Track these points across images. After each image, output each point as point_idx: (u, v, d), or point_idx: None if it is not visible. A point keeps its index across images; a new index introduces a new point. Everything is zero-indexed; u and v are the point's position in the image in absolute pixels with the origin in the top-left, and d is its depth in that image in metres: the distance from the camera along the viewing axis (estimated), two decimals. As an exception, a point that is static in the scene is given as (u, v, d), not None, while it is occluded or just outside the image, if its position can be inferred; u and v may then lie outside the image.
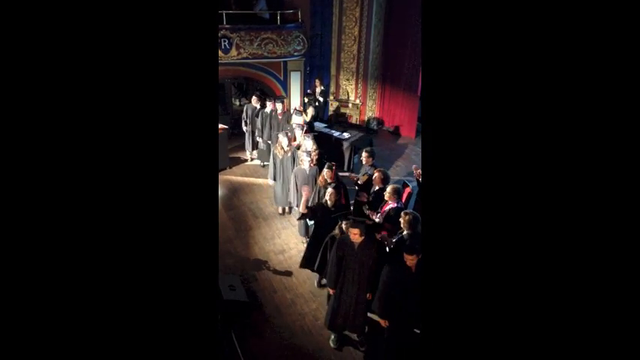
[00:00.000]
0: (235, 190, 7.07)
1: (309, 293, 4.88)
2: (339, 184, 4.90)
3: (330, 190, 4.63)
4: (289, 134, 6.32)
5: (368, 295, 3.86)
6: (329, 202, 4.61)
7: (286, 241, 5.79)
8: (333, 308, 4.01)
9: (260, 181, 7.38)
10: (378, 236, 4.06)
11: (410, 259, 3.41)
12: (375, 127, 9.32)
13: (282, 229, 5.97)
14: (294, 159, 6.09)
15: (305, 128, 6.58)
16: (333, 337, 4.18)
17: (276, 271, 5.24)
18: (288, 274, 5.20)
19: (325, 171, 5.09)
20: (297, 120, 6.79)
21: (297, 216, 5.36)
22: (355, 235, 3.75)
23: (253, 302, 4.68)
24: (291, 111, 7.65)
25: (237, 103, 9.99)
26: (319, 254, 4.45)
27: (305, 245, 5.19)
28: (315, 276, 5.07)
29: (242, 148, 8.21)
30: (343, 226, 4.04)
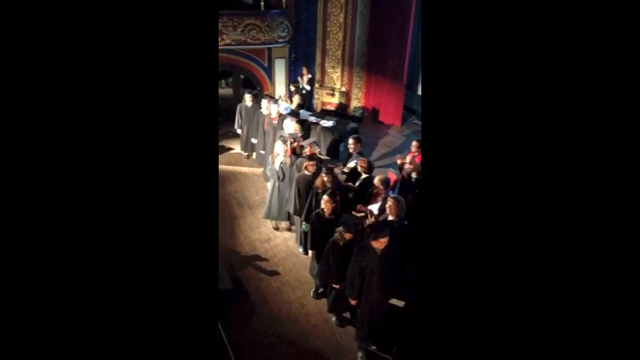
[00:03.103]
0: (219, 178, 6.99)
1: (296, 281, 4.88)
2: (334, 191, 4.37)
3: (325, 197, 4.20)
4: (287, 142, 5.57)
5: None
6: (325, 211, 4.25)
7: (272, 229, 5.76)
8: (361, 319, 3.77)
9: (245, 169, 7.30)
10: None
11: (376, 242, 3.45)
12: (361, 115, 9.30)
13: (263, 218, 5.93)
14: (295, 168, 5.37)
15: (294, 139, 5.90)
16: (360, 354, 3.89)
17: (261, 260, 5.21)
18: (274, 262, 5.18)
19: (324, 176, 4.63)
20: (288, 128, 6.05)
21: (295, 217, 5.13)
22: (383, 243, 3.45)
23: (239, 291, 4.65)
24: (276, 98, 7.52)
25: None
26: (321, 264, 4.12)
27: (292, 231, 5.17)
28: (303, 264, 5.07)
29: (225, 136, 8.10)
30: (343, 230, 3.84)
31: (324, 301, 4.57)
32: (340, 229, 3.85)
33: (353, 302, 3.76)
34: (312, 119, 7.76)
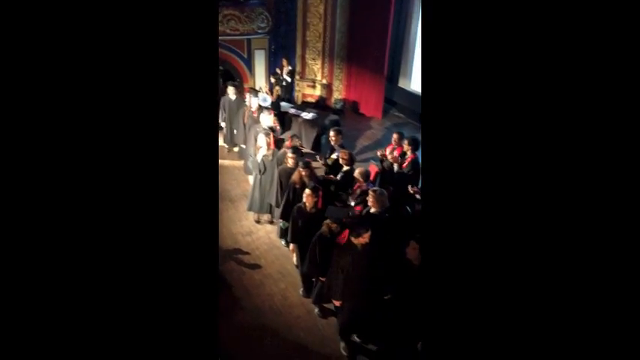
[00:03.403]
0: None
1: (278, 273, 4.88)
2: (317, 185, 4.29)
3: (307, 191, 4.11)
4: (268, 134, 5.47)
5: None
6: (307, 205, 4.15)
7: (253, 222, 5.73)
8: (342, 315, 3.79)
9: (226, 162, 7.22)
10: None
11: (356, 239, 3.43)
12: (342, 107, 9.30)
13: (246, 211, 5.89)
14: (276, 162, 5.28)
15: (273, 132, 5.82)
16: (343, 344, 3.93)
17: (243, 253, 5.19)
18: (256, 255, 5.17)
19: (301, 170, 4.52)
20: (265, 121, 5.98)
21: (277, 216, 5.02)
22: (364, 239, 3.42)
23: (221, 284, 4.62)
24: (257, 90, 7.43)
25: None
26: (307, 259, 4.02)
27: (274, 223, 5.15)
28: (285, 256, 5.07)
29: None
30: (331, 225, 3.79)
31: (306, 292, 4.60)
32: (327, 221, 3.81)
33: (337, 303, 3.77)
34: (293, 111, 7.73)
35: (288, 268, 4.91)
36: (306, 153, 5.90)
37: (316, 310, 4.30)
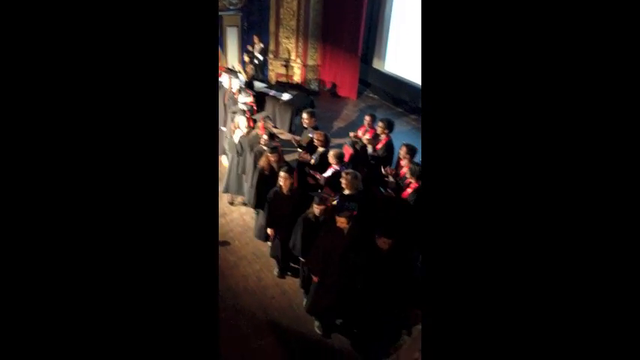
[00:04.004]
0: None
1: (252, 255, 4.89)
2: (290, 166, 4.22)
3: (282, 174, 4.04)
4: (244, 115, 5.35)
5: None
6: (283, 188, 4.09)
7: (226, 204, 5.69)
8: (316, 294, 3.84)
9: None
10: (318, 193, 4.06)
11: (340, 221, 3.47)
12: (316, 88, 9.22)
13: (221, 192, 5.83)
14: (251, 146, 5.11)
15: (249, 108, 5.73)
16: (317, 323, 4.03)
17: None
18: (230, 236, 5.15)
19: (270, 155, 4.43)
20: (244, 99, 5.87)
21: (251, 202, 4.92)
22: (343, 224, 3.48)
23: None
24: (237, 71, 7.24)
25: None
26: (298, 237, 3.93)
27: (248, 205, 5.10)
28: (256, 240, 5.07)
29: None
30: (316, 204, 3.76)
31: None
32: (315, 204, 3.75)
33: (315, 278, 3.81)
34: (267, 91, 7.60)
35: (263, 250, 4.92)
36: (279, 137, 5.79)
37: (305, 298, 4.26)
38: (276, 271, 4.61)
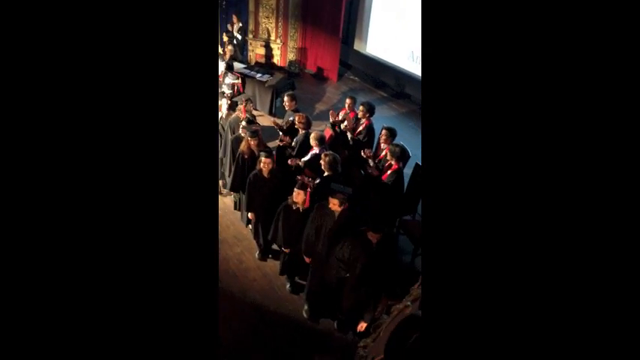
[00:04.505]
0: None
1: (233, 238, 4.88)
2: (269, 149, 4.24)
3: (262, 158, 4.01)
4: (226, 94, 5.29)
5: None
6: (263, 172, 4.07)
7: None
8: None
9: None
10: (298, 178, 4.06)
11: (333, 203, 3.49)
12: (297, 70, 9.11)
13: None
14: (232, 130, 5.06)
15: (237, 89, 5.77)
16: (306, 307, 4.05)
17: (197, 218, 5.11)
18: (211, 220, 5.11)
19: (250, 140, 4.35)
20: (230, 81, 5.81)
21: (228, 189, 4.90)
22: (335, 205, 3.49)
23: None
24: (221, 53, 7.06)
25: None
26: (279, 228, 3.92)
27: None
28: (240, 221, 5.06)
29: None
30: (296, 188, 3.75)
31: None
32: (296, 189, 3.73)
33: (307, 260, 3.82)
34: (247, 73, 7.47)
35: (244, 233, 4.92)
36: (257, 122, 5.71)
37: (287, 285, 4.28)
38: (257, 253, 4.62)
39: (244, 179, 4.31)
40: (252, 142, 4.40)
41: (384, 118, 7.15)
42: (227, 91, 5.61)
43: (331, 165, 4.06)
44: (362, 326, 3.44)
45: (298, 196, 3.71)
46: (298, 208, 3.77)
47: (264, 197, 4.13)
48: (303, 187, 3.71)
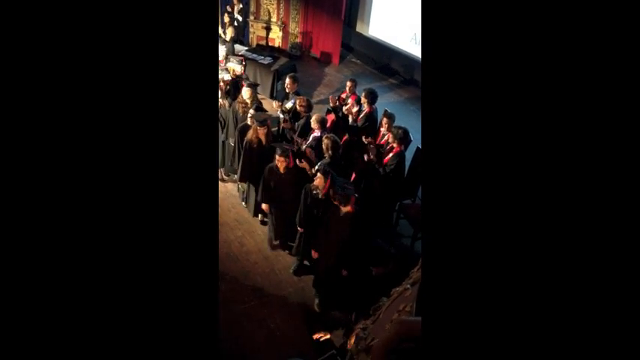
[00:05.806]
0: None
1: (234, 221, 4.90)
2: (287, 148, 4.16)
3: (278, 157, 4.00)
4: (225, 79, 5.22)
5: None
6: (280, 169, 4.09)
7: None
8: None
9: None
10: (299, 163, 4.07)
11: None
12: (298, 53, 9.00)
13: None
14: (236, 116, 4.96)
15: (245, 77, 5.55)
16: (317, 300, 4.09)
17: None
18: (212, 203, 5.13)
19: (258, 129, 4.30)
20: (234, 68, 5.70)
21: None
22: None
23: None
24: (223, 38, 6.96)
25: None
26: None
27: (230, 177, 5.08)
28: (241, 205, 5.07)
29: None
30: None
31: (263, 238, 4.68)
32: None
33: (315, 255, 3.89)
34: (248, 55, 7.38)
35: (245, 217, 4.94)
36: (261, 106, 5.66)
37: (294, 266, 4.34)
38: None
39: (253, 169, 4.32)
40: (260, 132, 4.31)
41: (386, 103, 7.09)
42: (226, 77, 5.54)
43: (332, 147, 4.06)
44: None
45: (319, 182, 3.71)
46: (318, 193, 3.77)
47: (279, 191, 4.16)
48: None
